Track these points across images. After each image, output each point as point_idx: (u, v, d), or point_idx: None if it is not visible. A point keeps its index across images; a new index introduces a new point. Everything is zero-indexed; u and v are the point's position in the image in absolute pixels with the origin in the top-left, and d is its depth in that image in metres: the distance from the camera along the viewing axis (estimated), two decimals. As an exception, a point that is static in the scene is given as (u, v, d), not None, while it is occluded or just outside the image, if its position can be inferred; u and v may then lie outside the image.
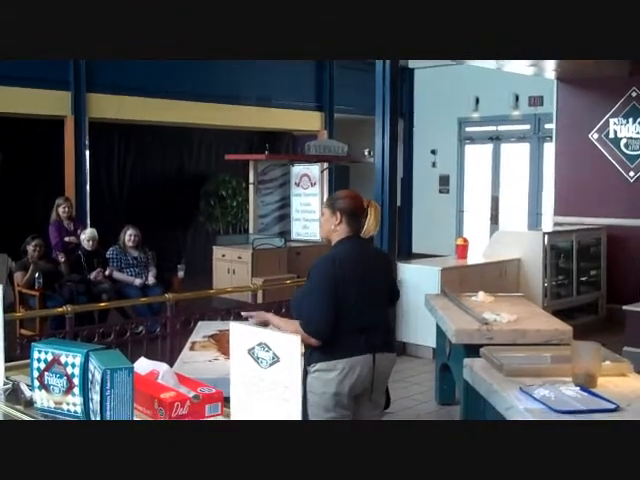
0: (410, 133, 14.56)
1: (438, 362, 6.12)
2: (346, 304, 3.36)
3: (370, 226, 3.52)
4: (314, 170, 11.20)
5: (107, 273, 8.18)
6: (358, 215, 3.51)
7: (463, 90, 13.42)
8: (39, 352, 2.19)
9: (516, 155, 13.46)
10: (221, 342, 4.57)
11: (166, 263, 9.33)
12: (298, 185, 11.33)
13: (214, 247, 10.61)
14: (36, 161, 11.03)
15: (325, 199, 3.69)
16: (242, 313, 3.66)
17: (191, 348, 4.55)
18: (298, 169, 11.35)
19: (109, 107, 10.74)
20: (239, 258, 10.11)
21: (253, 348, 1.83)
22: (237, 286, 8.56)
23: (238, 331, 1.88)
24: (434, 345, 6.39)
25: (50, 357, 2.16)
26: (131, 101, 10.88)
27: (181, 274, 8.38)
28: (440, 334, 5.79)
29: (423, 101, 14.44)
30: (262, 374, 1.81)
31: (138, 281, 8.25)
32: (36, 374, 2.20)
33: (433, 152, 14.34)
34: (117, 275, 8.28)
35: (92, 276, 8.04)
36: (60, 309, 5.80)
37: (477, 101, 13.51)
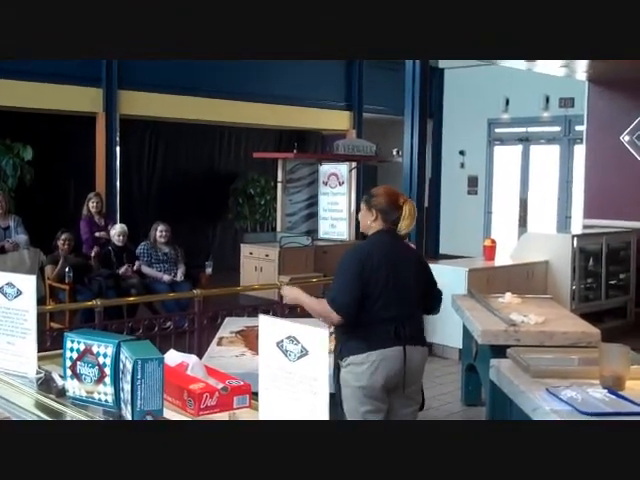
0: (439, 133, 14.52)
1: (464, 363, 6.11)
2: (372, 291, 3.40)
3: (405, 223, 3.56)
4: (342, 169, 11.25)
5: (135, 268, 8.25)
6: (392, 212, 3.55)
7: (493, 91, 13.35)
8: (72, 342, 2.22)
9: (546, 157, 13.35)
10: (248, 338, 4.62)
11: (194, 260, 9.39)
12: (326, 184, 11.38)
13: (242, 245, 10.70)
14: (68, 157, 11.14)
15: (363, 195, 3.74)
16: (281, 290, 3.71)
17: (218, 343, 4.60)
18: (326, 168, 11.39)
19: (140, 104, 10.83)
20: (266, 256, 10.18)
21: (282, 341, 1.82)
22: (264, 284, 8.62)
23: (267, 324, 1.88)
24: (460, 346, 6.38)
25: (82, 347, 2.19)
26: (162, 98, 10.97)
27: (209, 271, 8.43)
28: (466, 335, 5.78)
29: (453, 101, 14.39)
30: (290, 367, 1.81)
31: (167, 277, 8.30)
32: (68, 363, 2.23)
33: (462, 153, 14.28)
34: (146, 270, 8.34)
35: (121, 271, 8.11)
36: (90, 303, 5.89)
37: (507, 102, 13.43)
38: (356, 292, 3.37)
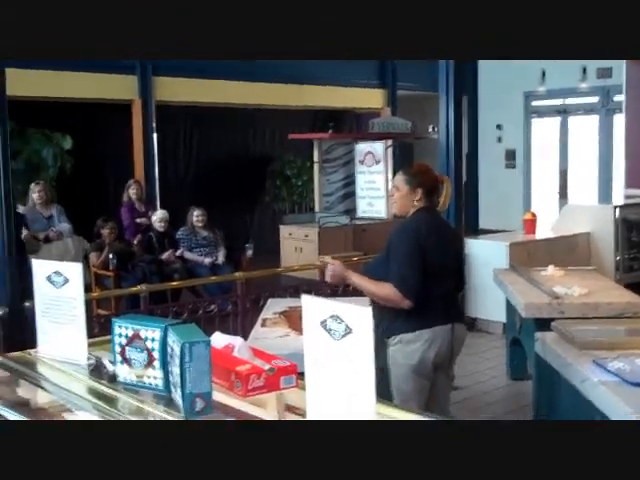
0: (475, 108, 14.32)
1: (508, 337, 6.08)
2: (428, 270, 3.39)
3: (444, 200, 3.57)
4: (378, 148, 11.16)
5: (178, 253, 8.32)
6: (435, 190, 3.56)
7: (528, 63, 13.15)
8: (120, 328, 2.28)
9: (584, 128, 13.15)
10: (291, 318, 4.63)
11: (234, 243, 9.45)
12: (362, 163, 11.34)
13: (281, 226, 10.77)
14: (106, 145, 11.23)
15: (399, 174, 3.68)
16: (319, 259, 3.65)
17: (262, 325, 4.62)
18: (362, 147, 11.32)
19: (175, 90, 10.88)
20: (306, 237, 10.23)
21: (325, 320, 1.83)
22: (304, 264, 8.59)
23: (310, 304, 1.89)
24: (504, 320, 6.35)
25: (131, 332, 2.25)
26: (196, 83, 11.00)
27: (249, 253, 8.48)
28: (510, 309, 5.75)
29: (488, 76, 14.20)
30: (335, 346, 1.82)
31: (208, 260, 8.38)
32: (118, 349, 2.29)
33: (499, 127, 14.10)
34: (188, 255, 8.42)
35: (164, 257, 8.20)
36: (135, 288, 5.99)
37: (543, 74, 13.21)
38: (420, 274, 3.36)
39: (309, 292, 6.14)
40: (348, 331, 1.80)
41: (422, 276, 3.36)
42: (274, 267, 8.53)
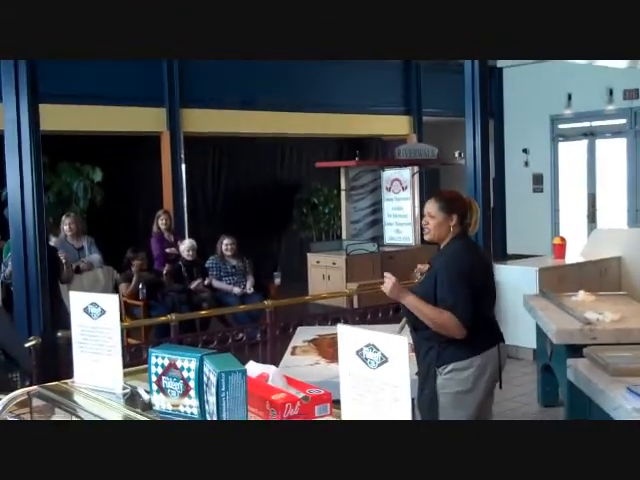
0: (501, 132, 14.36)
1: (539, 363, 6.03)
2: (475, 297, 3.40)
3: (473, 224, 3.58)
4: (405, 174, 11.18)
5: (206, 282, 8.39)
6: (467, 214, 3.58)
7: (554, 86, 13.16)
8: (156, 357, 2.28)
9: (612, 150, 13.08)
10: (321, 346, 4.65)
11: (262, 271, 9.52)
12: (389, 190, 11.36)
13: (308, 254, 10.83)
14: (135, 176, 11.43)
15: (432, 201, 3.67)
16: (385, 274, 3.54)
17: (292, 353, 4.64)
18: (389, 174, 11.37)
19: (202, 121, 11.02)
20: (333, 264, 10.26)
21: (361, 349, 1.84)
22: (332, 292, 8.67)
23: (346, 333, 1.89)
24: (534, 346, 6.31)
25: (167, 362, 2.25)
26: (222, 114, 11.13)
27: (277, 281, 8.58)
28: (540, 335, 5.71)
29: (513, 100, 14.23)
30: (371, 374, 1.83)
31: (237, 289, 8.44)
32: (154, 378, 2.29)
33: (525, 151, 14.10)
34: (216, 284, 8.48)
35: (193, 286, 8.27)
36: (164, 317, 6.05)
37: (569, 97, 13.22)
38: (471, 303, 3.38)
39: (338, 320, 6.15)
40: (384, 360, 1.80)
41: (472, 304, 3.38)
42: (302, 295, 8.57)
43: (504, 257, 11.67)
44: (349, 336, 1.89)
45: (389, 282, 3.49)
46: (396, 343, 1.78)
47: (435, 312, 3.40)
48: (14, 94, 5.06)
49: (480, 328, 3.40)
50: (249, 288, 8.49)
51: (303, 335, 5.10)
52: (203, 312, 7.53)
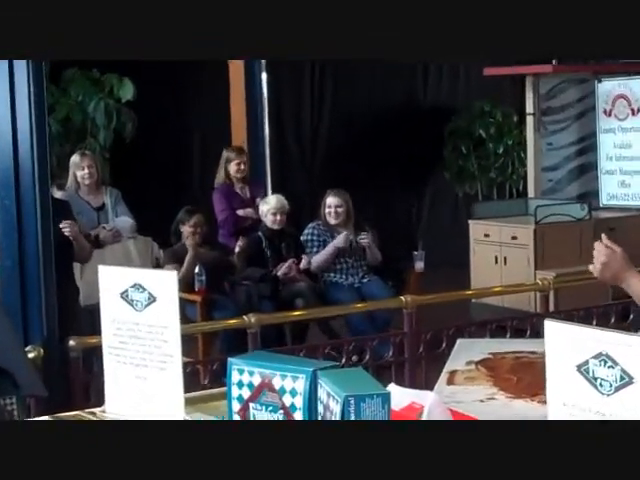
0: None
1: None
2: None
3: None
4: (636, 87, 8.39)
5: (303, 266, 6.27)
6: None
7: None
8: (240, 373, 1.80)
9: None
10: (497, 371, 3.58)
11: (394, 249, 7.37)
12: (610, 114, 8.56)
13: (470, 222, 8.09)
14: (187, 97, 8.73)
15: None
16: (599, 243, 2.45)
17: (449, 381, 3.58)
18: (609, 87, 8.43)
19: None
20: (513, 239, 7.74)
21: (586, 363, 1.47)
22: (511, 284, 6.61)
23: (555, 342, 1.49)
24: None
25: (257, 380, 1.77)
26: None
27: (419, 265, 6.43)
28: None
29: None
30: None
31: (352, 278, 6.43)
32: (236, 407, 1.79)
33: None
34: (319, 267, 6.36)
35: (281, 272, 6.21)
36: (236, 320, 4.70)
37: None
38: None
39: (521, 330, 5.04)
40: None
41: None
42: (460, 288, 6.65)
43: None
44: (557, 347, 1.52)
45: (605, 253, 2.49)
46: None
47: None
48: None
49: None
50: (372, 276, 6.48)
51: (466, 353, 4.01)
52: (297, 313, 5.93)
